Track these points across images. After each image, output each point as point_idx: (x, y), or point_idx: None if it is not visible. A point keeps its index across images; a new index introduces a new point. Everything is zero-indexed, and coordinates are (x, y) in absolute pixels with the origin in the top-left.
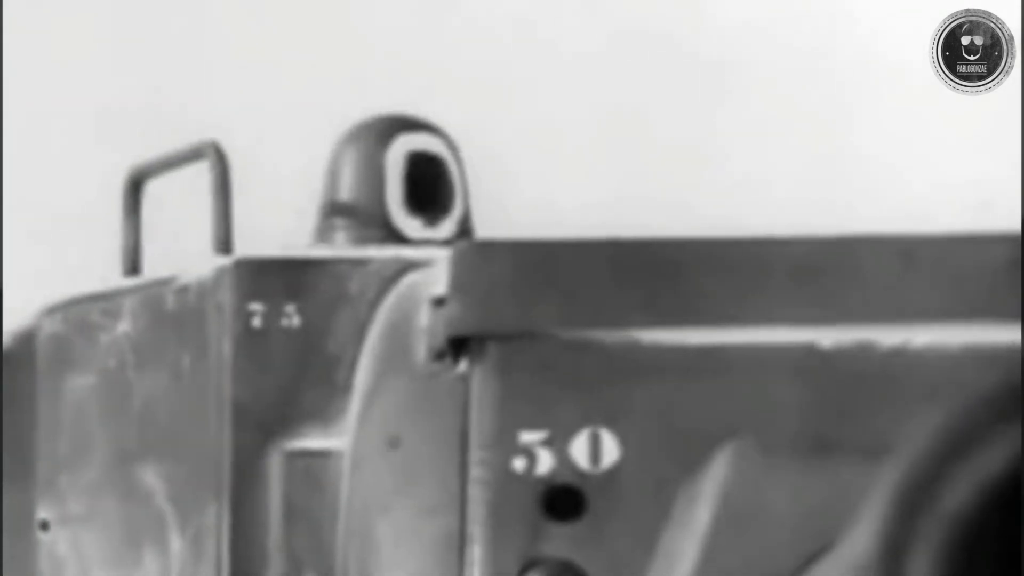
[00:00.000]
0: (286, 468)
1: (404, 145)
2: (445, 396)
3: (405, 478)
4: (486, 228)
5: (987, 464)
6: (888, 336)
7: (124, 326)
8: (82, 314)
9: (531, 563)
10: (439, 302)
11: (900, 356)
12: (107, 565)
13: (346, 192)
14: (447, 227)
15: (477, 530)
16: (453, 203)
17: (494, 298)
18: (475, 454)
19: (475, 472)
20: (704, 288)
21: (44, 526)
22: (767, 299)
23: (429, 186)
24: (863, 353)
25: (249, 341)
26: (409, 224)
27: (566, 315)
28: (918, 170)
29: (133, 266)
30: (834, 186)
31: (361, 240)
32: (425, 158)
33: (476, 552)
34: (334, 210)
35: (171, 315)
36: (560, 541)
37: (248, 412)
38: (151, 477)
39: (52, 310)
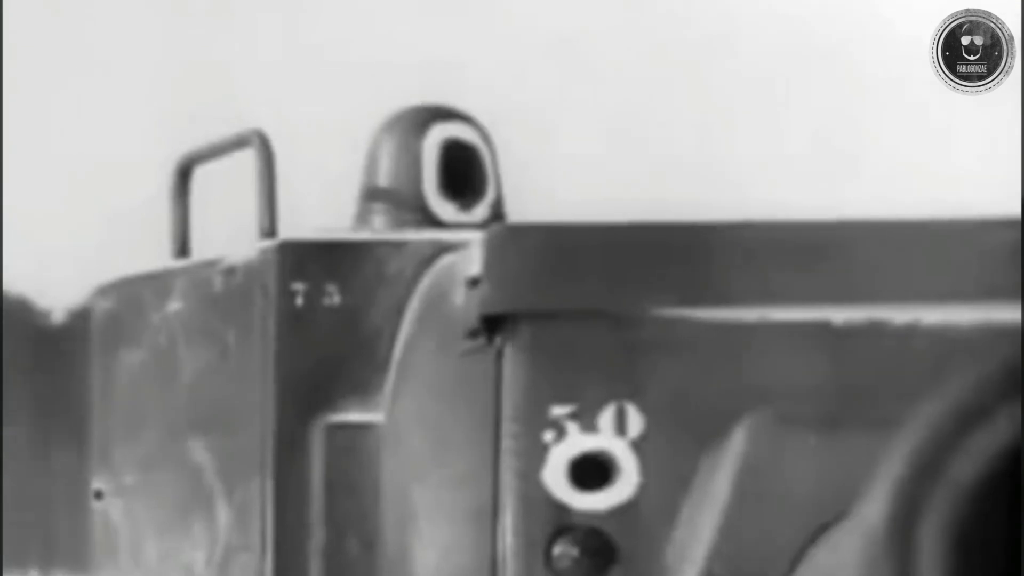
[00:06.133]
0: (327, 441)
1: (439, 133)
2: (478, 372)
3: (440, 450)
4: (521, 215)
5: (994, 437)
6: (898, 315)
7: (174, 305)
8: (134, 293)
9: (560, 531)
10: (473, 282)
11: (910, 334)
12: (158, 534)
13: (384, 178)
14: (480, 211)
15: (509, 500)
16: (486, 189)
17: (525, 278)
18: (507, 427)
19: (507, 444)
20: (723, 269)
21: (98, 495)
22: (783, 279)
23: (463, 172)
24: (875, 330)
25: (292, 319)
26: (444, 208)
27: (593, 294)
28: (918, 170)
29: (182, 248)
30: (834, 186)
31: (399, 224)
32: (459, 146)
33: (507, 521)
34: (373, 195)
35: (218, 295)
36: (589, 510)
37: (291, 387)
38: (200, 450)
39: (106, 289)
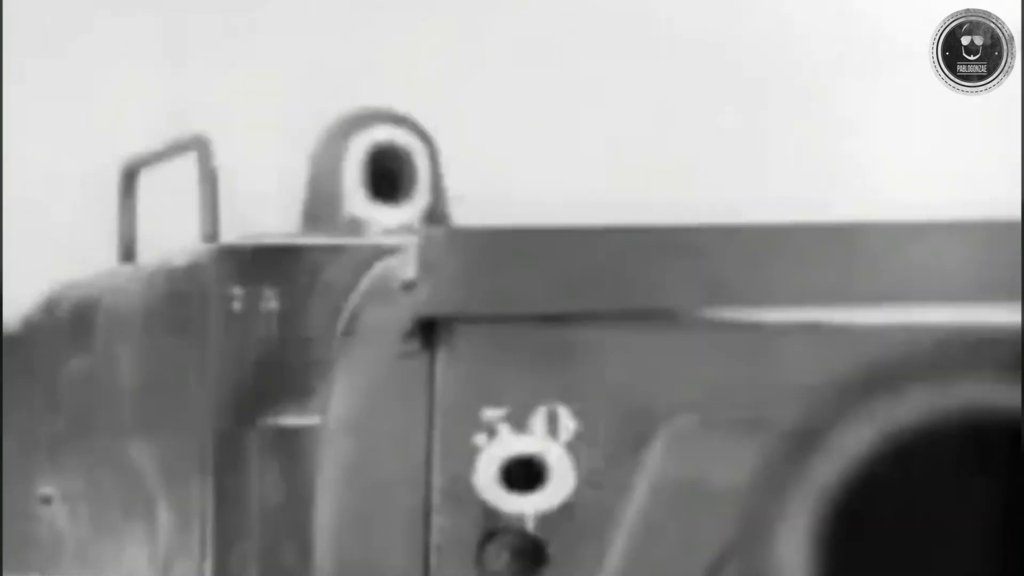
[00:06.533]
0: (265, 445)
1: (369, 136)
2: (413, 375)
3: (373, 453)
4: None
5: (855, 441)
6: (832, 316)
7: (119, 309)
8: (79, 298)
9: (491, 534)
10: (408, 286)
11: (843, 333)
12: (102, 538)
13: (320, 183)
14: (408, 215)
15: (439, 502)
16: (414, 192)
17: (459, 282)
18: (439, 429)
19: (439, 447)
20: (654, 272)
21: (46, 501)
22: (714, 282)
23: (392, 176)
24: (809, 332)
25: (230, 324)
26: (370, 212)
27: (525, 298)
28: (918, 170)
29: (128, 253)
30: (833, 186)
31: (339, 228)
32: (388, 149)
33: (438, 523)
34: (313, 200)
35: (160, 299)
36: (520, 513)
37: (229, 391)
38: (141, 454)
39: (52, 295)
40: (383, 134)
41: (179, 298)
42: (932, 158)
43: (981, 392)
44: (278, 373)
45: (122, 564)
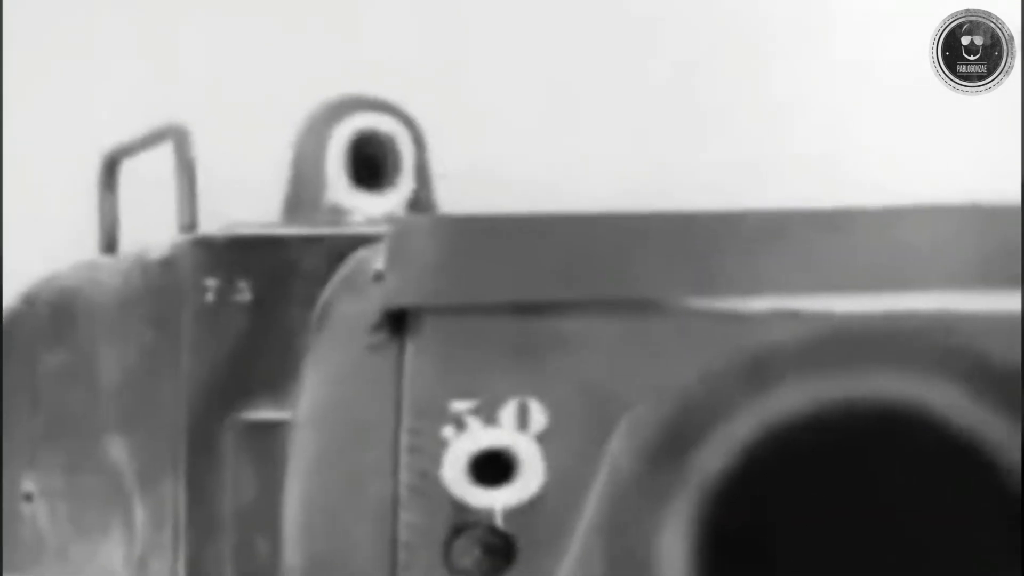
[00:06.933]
0: (240, 439)
1: (351, 124)
2: (381, 368)
3: (343, 446)
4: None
5: (737, 430)
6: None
7: (97, 302)
8: (59, 292)
9: (459, 530)
10: (378, 276)
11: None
12: (80, 536)
13: (302, 171)
14: (392, 203)
15: (407, 496)
16: (399, 179)
17: (429, 272)
18: (406, 422)
19: (406, 440)
20: (624, 261)
21: (28, 498)
22: (685, 273)
23: (375, 164)
24: (785, 319)
25: (203, 316)
26: (353, 200)
27: (494, 289)
28: (918, 170)
29: (109, 244)
30: (833, 185)
31: (319, 218)
32: (372, 136)
33: (406, 518)
34: (296, 189)
35: (137, 291)
36: (489, 507)
37: (203, 385)
38: (118, 450)
39: (31, 290)
40: (366, 121)
41: (154, 291)
42: (932, 158)
43: (865, 383)
44: (253, 367)
45: (99, 563)
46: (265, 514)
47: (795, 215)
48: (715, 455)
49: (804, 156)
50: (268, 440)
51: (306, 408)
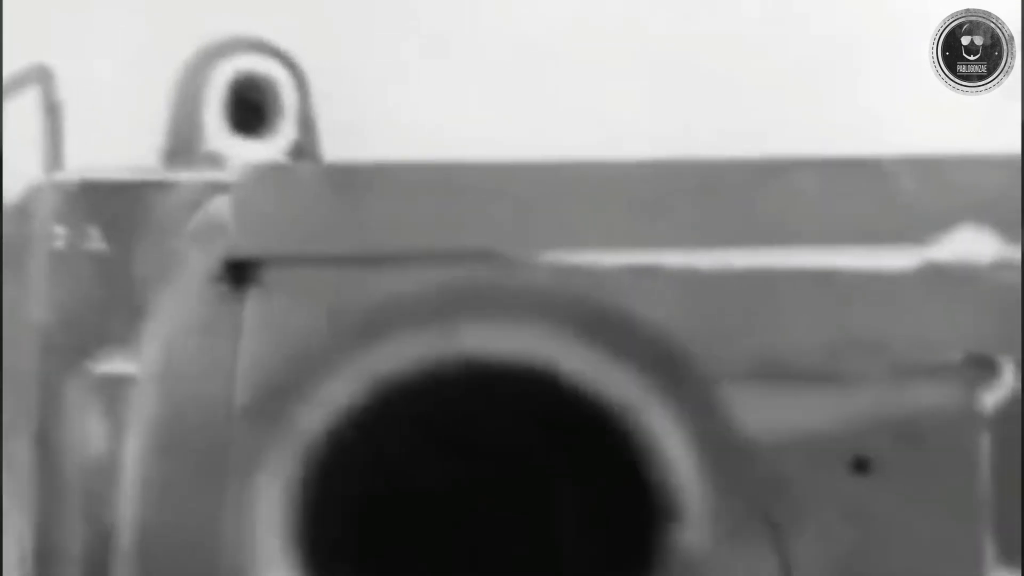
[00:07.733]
0: (89, 392)
1: (231, 66)
2: (222, 319)
3: (179, 402)
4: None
5: (342, 391)
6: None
7: None
8: None
9: None
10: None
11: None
12: None
13: (180, 115)
14: (273, 150)
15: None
16: (280, 125)
17: (270, 224)
18: (245, 378)
19: (243, 396)
20: (475, 214)
21: None
22: (546, 224)
23: (255, 108)
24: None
25: (52, 264)
26: (229, 145)
27: (335, 241)
28: None
29: None
30: None
31: (189, 162)
32: (252, 80)
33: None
34: (174, 134)
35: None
36: None
37: (53, 336)
38: None
39: None
40: (246, 63)
41: (12, 237)
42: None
43: (480, 339)
44: (104, 317)
45: None
46: (115, 473)
47: None
48: (317, 415)
49: (802, 155)
50: (117, 394)
51: (148, 362)
